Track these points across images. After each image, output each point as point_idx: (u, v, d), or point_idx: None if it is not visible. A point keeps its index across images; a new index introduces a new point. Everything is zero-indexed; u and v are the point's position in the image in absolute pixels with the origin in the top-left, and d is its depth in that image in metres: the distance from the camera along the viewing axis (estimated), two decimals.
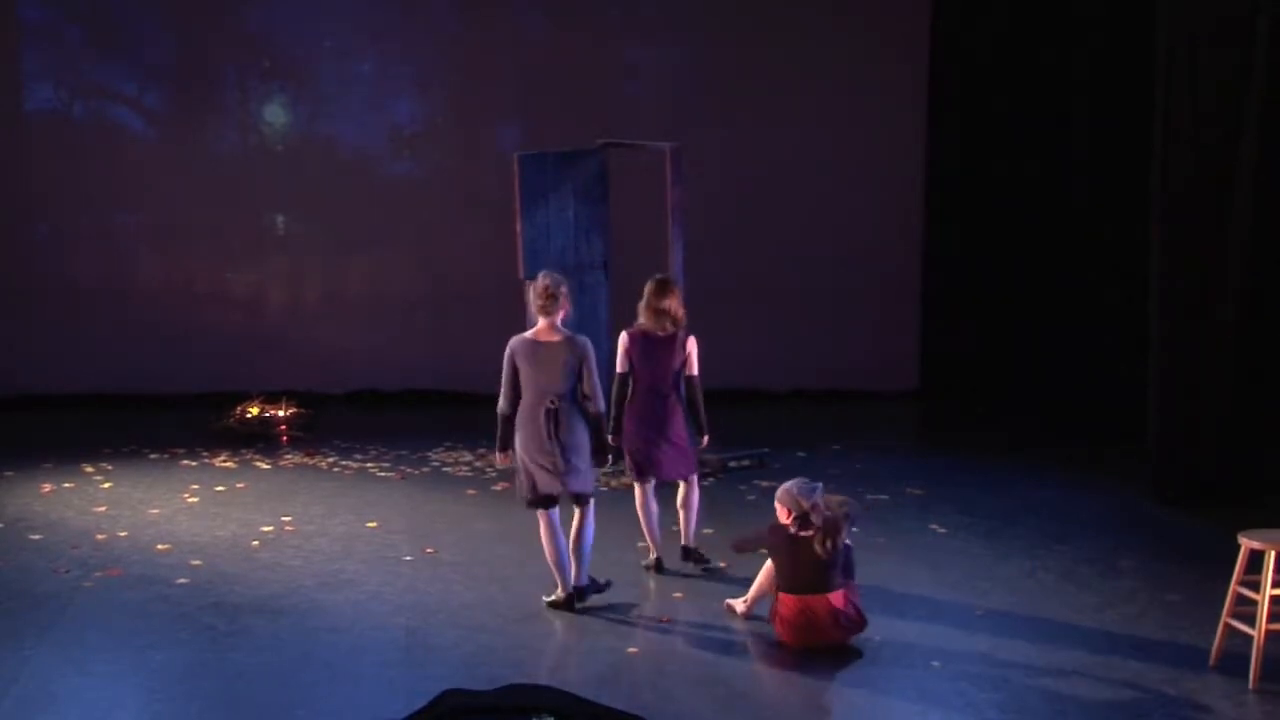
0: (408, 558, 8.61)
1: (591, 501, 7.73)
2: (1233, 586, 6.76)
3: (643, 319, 8.33)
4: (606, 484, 9.73)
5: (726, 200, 13.42)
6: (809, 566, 7.12)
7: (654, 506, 8.38)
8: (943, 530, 9.28)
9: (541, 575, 7.87)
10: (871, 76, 13.70)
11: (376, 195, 13.78)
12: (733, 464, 10.87)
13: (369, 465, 11.08)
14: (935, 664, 6.92)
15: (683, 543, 8.56)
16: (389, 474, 10.82)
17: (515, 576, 8.19)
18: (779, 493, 7.37)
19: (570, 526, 7.73)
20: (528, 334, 7.62)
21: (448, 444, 11.64)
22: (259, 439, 11.82)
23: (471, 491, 10.28)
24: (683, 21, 13.82)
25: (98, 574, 8.24)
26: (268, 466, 11.03)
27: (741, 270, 13.51)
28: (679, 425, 8.36)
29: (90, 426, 12.33)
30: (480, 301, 12.89)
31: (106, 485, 10.38)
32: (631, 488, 8.49)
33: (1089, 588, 8.11)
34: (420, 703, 6.16)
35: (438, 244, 13.81)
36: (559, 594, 7.68)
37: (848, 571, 7.27)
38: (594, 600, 7.73)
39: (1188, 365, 9.87)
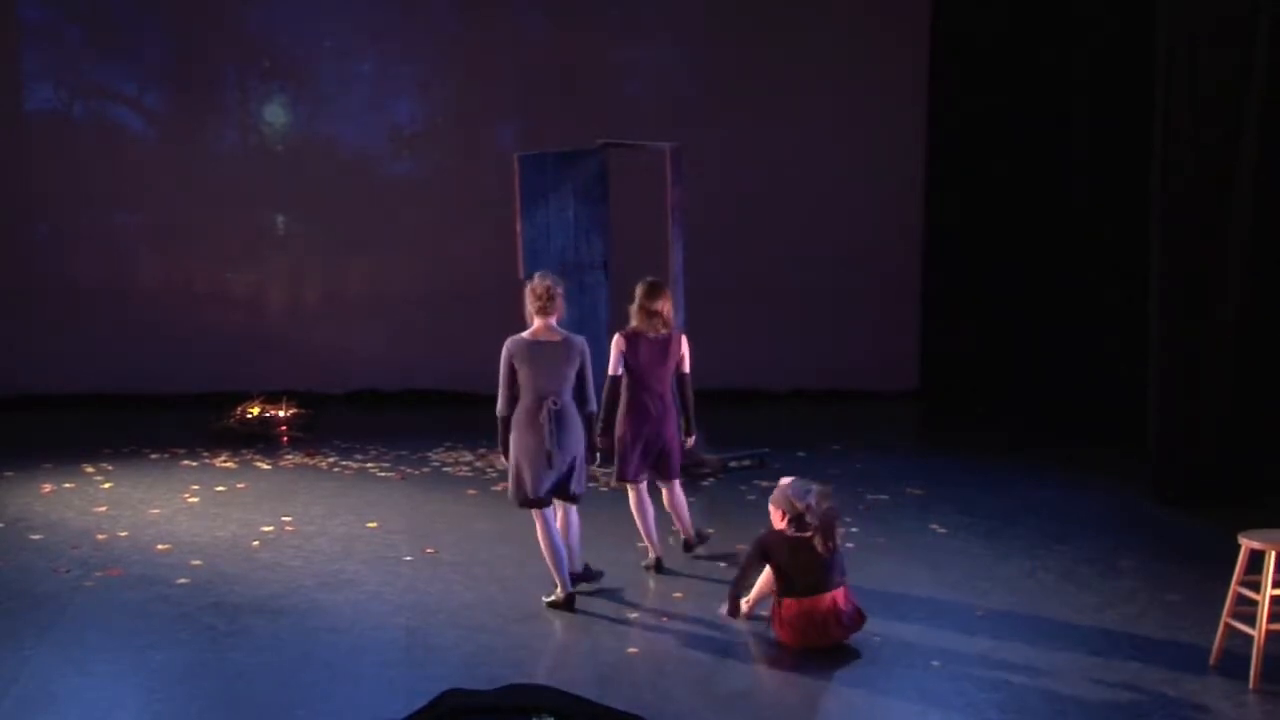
0: (408, 558, 8.61)
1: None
2: (1233, 587, 6.76)
3: (635, 321, 8.33)
4: (606, 484, 9.73)
5: (726, 200, 13.40)
6: (811, 567, 7.12)
7: (649, 507, 8.38)
8: (943, 530, 9.28)
9: (541, 575, 7.87)
10: (871, 77, 13.69)
11: (376, 195, 13.76)
12: (733, 464, 10.87)
13: (369, 465, 11.08)
14: (935, 664, 6.93)
15: (684, 539, 8.58)
16: (389, 474, 10.82)
17: (515, 576, 8.19)
18: (773, 495, 7.38)
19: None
20: (525, 334, 7.61)
21: (448, 444, 11.63)
22: (259, 439, 11.81)
23: (471, 491, 10.28)
24: (683, 21, 13.80)
25: (98, 574, 8.24)
26: (268, 467, 11.03)
27: (741, 270, 13.49)
28: (672, 428, 8.37)
29: (90, 426, 12.32)
30: (480, 301, 12.86)
31: (107, 485, 10.38)
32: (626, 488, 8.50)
33: (1089, 588, 8.11)
34: (420, 703, 6.17)
35: (438, 244, 13.80)
36: (559, 594, 7.68)
37: (843, 568, 7.28)
38: (594, 600, 7.73)
39: (1188, 365, 9.87)
